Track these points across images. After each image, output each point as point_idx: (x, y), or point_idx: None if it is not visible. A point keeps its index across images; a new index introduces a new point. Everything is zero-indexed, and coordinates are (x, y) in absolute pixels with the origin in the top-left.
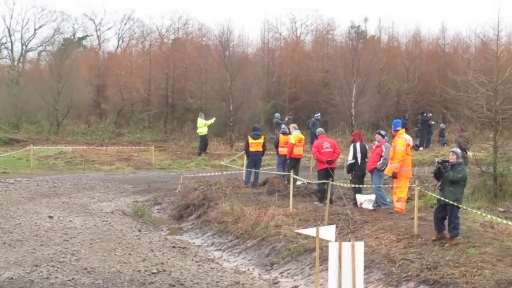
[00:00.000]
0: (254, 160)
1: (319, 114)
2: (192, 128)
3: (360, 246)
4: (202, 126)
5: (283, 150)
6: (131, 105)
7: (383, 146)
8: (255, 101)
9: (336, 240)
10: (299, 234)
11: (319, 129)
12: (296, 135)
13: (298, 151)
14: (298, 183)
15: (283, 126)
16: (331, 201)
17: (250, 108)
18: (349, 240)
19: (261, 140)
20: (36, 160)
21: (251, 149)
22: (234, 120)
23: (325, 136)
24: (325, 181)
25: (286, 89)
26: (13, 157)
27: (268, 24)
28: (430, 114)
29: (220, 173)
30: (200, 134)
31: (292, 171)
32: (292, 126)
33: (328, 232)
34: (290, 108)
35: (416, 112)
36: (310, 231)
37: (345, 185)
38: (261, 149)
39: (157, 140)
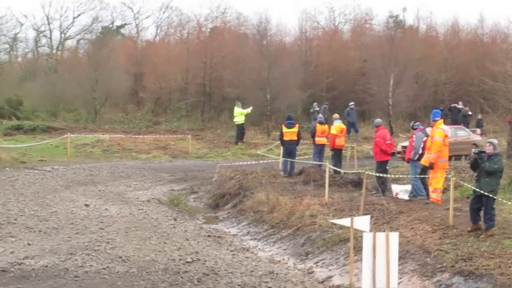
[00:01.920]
0: (289, 149)
1: (353, 103)
2: (229, 117)
3: (394, 236)
4: (239, 115)
5: (319, 140)
6: (169, 94)
7: (414, 136)
8: (292, 90)
9: (370, 231)
10: (334, 224)
11: (378, 120)
12: (337, 125)
13: (340, 141)
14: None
15: (320, 115)
16: (383, 192)
17: (287, 97)
18: (384, 231)
19: (295, 129)
20: (73, 148)
21: (286, 138)
22: (271, 109)
23: (383, 127)
24: (384, 175)
25: (324, 79)
26: (51, 145)
27: (306, 14)
28: (461, 104)
29: (257, 162)
30: (237, 123)
31: (328, 161)
32: (333, 116)
33: (362, 222)
34: (327, 98)
35: (454, 102)
36: (345, 221)
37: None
38: (295, 138)
39: (194, 129)
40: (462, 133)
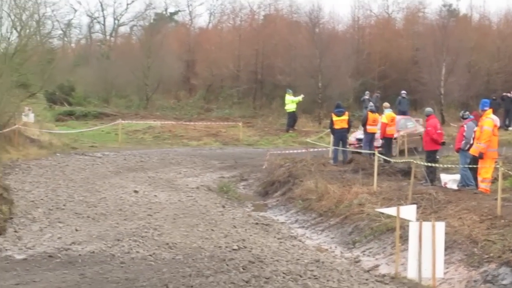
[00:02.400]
0: (340, 137)
1: (405, 92)
2: (281, 104)
3: (441, 226)
4: (290, 102)
5: (370, 128)
6: (221, 81)
7: (465, 126)
8: (344, 78)
9: (417, 220)
10: (382, 213)
11: (429, 109)
12: (388, 114)
13: (390, 130)
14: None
15: (370, 104)
16: (432, 182)
17: (339, 85)
18: (431, 220)
19: (345, 117)
20: (124, 134)
21: (336, 126)
22: (323, 97)
23: (434, 116)
24: (435, 165)
25: (376, 67)
26: (102, 131)
27: (359, 2)
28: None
29: (306, 150)
30: (288, 111)
31: (377, 150)
32: (384, 105)
33: (408, 211)
34: (379, 86)
35: (507, 92)
36: (391, 211)
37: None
38: (346, 126)
39: (245, 116)
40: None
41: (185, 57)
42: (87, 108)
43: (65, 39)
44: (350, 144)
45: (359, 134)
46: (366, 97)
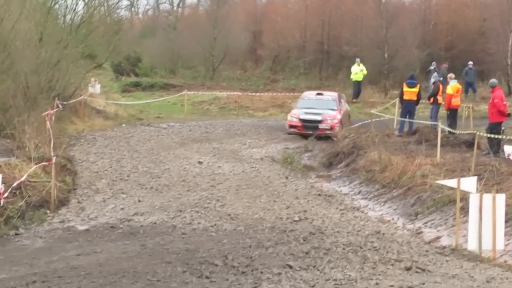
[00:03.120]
0: (408, 108)
1: (471, 63)
2: (347, 75)
3: (501, 198)
4: (358, 73)
5: (439, 99)
6: (287, 52)
7: None
8: (410, 49)
9: (478, 192)
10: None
11: (494, 81)
12: (453, 85)
13: (456, 101)
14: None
15: (435, 74)
16: (495, 154)
17: (405, 56)
18: (492, 192)
19: (416, 89)
20: (190, 105)
21: (405, 97)
22: (389, 68)
23: (499, 88)
24: (499, 136)
25: (442, 38)
26: (168, 102)
27: None
28: None
29: (371, 121)
30: (354, 80)
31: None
32: (449, 76)
33: (469, 183)
34: (446, 57)
35: None
36: (451, 182)
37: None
38: (415, 98)
39: (312, 87)
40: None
41: (252, 28)
42: (154, 79)
43: (132, 9)
44: (290, 126)
45: (302, 113)
46: (432, 67)
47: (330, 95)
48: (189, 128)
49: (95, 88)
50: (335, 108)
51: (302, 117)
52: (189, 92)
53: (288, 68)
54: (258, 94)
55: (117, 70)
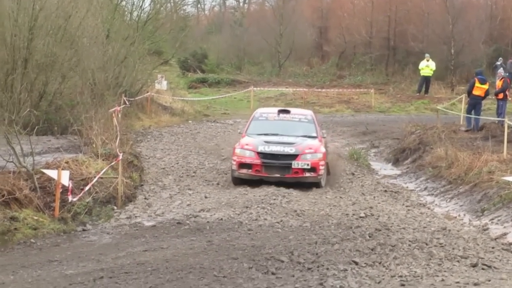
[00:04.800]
0: (474, 103)
1: None
2: (413, 71)
3: None
4: (424, 68)
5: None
6: (353, 48)
7: None
8: (477, 44)
9: None
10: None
11: None
12: None
13: None
14: None
15: (500, 70)
16: None
17: (471, 51)
18: None
19: (486, 86)
20: (256, 101)
21: (475, 92)
22: (455, 63)
23: None
24: None
25: (509, 33)
26: (234, 98)
27: None
28: None
29: (437, 117)
30: (422, 75)
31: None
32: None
33: None
34: None
35: None
36: None
37: None
38: (483, 95)
39: (378, 83)
40: None
41: (318, 24)
42: (220, 75)
43: (199, 6)
44: (240, 166)
45: (260, 143)
46: (498, 63)
47: (301, 114)
48: None
49: (162, 84)
50: (314, 134)
51: (261, 149)
52: (255, 88)
53: (354, 64)
54: (324, 90)
55: (184, 66)
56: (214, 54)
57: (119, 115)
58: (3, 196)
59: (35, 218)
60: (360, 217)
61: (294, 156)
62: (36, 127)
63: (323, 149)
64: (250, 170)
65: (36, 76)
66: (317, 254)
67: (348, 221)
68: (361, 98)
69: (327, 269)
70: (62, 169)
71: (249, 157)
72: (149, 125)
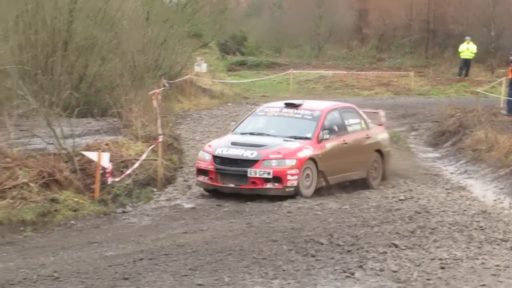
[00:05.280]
0: None
1: None
2: (453, 54)
3: None
4: (464, 50)
5: None
6: (393, 30)
7: None
8: None
9: None
10: None
11: None
12: None
13: None
14: None
15: None
16: None
17: None
18: None
19: None
20: (295, 84)
21: None
22: (496, 46)
23: None
24: None
25: None
26: (274, 80)
27: None
28: None
29: (477, 100)
30: (463, 58)
31: None
32: None
33: None
34: None
35: None
36: None
37: None
38: None
39: (417, 66)
40: None
41: (357, 7)
42: (259, 58)
43: None
44: (198, 172)
45: (224, 145)
46: None
47: (311, 109)
48: None
49: (201, 67)
50: (309, 135)
51: (218, 152)
52: (294, 71)
53: (394, 47)
54: (363, 72)
55: (223, 49)
56: (253, 37)
57: (159, 98)
58: (43, 178)
59: (75, 199)
60: (400, 200)
61: (252, 162)
62: (76, 109)
63: (302, 154)
64: (206, 178)
65: (76, 59)
66: (356, 236)
67: (387, 204)
68: (400, 81)
69: (367, 251)
70: (102, 151)
71: (206, 161)
72: (189, 108)
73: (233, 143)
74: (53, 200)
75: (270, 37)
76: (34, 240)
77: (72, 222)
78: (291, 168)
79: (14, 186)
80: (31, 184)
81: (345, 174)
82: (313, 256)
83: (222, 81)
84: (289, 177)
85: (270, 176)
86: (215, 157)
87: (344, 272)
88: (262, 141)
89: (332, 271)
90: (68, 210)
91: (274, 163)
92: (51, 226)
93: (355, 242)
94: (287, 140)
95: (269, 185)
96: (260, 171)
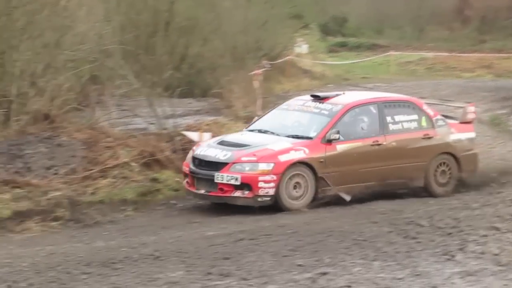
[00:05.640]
0: None
1: None
2: None
3: None
4: None
5: None
6: (495, 12)
7: None
8: None
9: None
10: None
11: None
12: None
13: None
14: None
15: None
16: None
17: None
18: None
19: None
20: (396, 65)
21: None
22: None
23: None
24: None
25: None
26: (374, 62)
27: None
28: None
29: None
30: None
31: None
32: None
33: None
34: None
35: None
36: None
37: None
38: None
39: None
40: None
41: None
42: (360, 39)
43: None
44: (184, 176)
45: (209, 145)
46: None
47: (334, 104)
48: (396, 88)
49: (302, 48)
50: (312, 134)
51: (196, 153)
52: (395, 53)
53: (496, 29)
54: (465, 54)
55: (324, 30)
56: (354, 18)
57: (260, 78)
58: (144, 157)
59: (176, 179)
60: (502, 183)
61: (221, 165)
62: (178, 90)
63: (285, 158)
64: (185, 182)
65: (177, 39)
66: (457, 219)
67: (489, 187)
68: (503, 63)
69: (468, 234)
70: (203, 131)
71: (187, 162)
72: (289, 89)
73: (221, 142)
74: (154, 180)
75: (371, 19)
76: (135, 219)
77: (173, 201)
78: (265, 173)
79: (116, 166)
80: (133, 164)
81: (376, 183)
82: (413, 238)
83: (322, 62)
84: (261, 184)
85: (238, 183)
86: (193, 158)
87: (445, 254)
88: (253, 140)
89: (433, 253)
90: (169, 189)
91: (246, 167)
92: (152, 206)
93: (456, 225)
94: (280, 140)
95: (237, 193)
96: (228, 176)
